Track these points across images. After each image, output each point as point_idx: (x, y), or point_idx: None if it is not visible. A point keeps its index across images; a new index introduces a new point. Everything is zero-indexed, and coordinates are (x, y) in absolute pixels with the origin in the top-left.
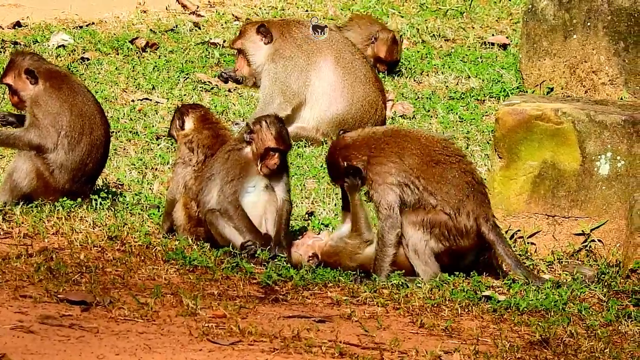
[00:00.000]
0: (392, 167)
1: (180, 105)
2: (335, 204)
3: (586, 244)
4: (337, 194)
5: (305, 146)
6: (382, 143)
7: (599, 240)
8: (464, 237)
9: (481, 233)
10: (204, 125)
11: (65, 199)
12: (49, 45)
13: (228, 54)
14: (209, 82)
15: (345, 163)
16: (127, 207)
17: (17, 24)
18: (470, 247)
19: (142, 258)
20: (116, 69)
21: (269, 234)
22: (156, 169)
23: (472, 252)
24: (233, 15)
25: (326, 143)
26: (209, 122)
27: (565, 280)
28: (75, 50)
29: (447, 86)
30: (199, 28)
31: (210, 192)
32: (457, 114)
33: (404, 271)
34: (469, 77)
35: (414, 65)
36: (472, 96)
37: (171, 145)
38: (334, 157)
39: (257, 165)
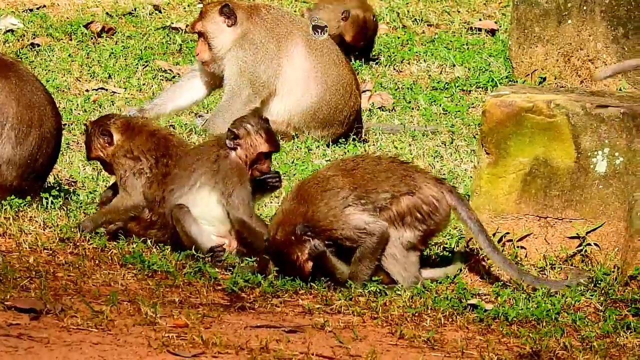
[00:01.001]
0: (331, 199)
1: (92, 123)
2: None
3: (581, 248)
4: None
5: None
6: (304, 196)
7: (595, 244)
8: (437, 210)
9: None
10: (132, 131)
11: (13, 197)
12: None
13: (191, 40)
14: (169, 70)
15: (295, 235)
16: (81, 207)
17: None
18: (444, 220)
19: (97, 262)
20: (69, 55)
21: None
22: None
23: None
24: None
25: (297, 137)
26: (135, 126)
27: (541, 282)
28: (24, 36)
29: (429, 75)
30: (160, 11)
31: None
32: (440, 105)
33: (381, 278)
34: (454, 65)
35: (393, 53)
36: (457, 86)
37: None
38: (283, 245)
39: (249, 171)
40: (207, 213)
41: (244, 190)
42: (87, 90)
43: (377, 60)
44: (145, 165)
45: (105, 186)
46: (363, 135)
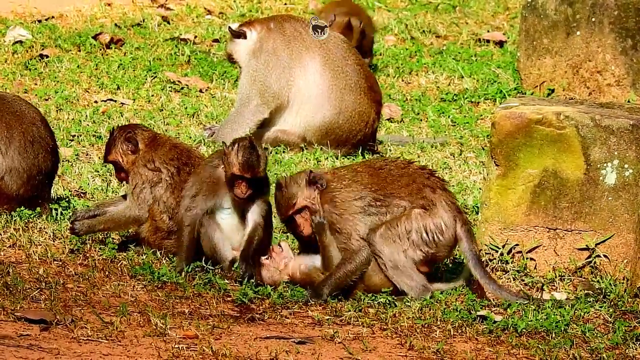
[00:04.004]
0: (350, 193)
1: (118, 128)
2: None
3: (590, 259)
4: None
5: (284, 152)
6: (334, 173)
7: (605, 256)
8: (442, 235)
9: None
10: (156, 143)
11: (22, 208)
12: (4, 41)
13: (199, 52)
14: (178, 81)
15: (305, 178)
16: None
17: None
18: (450, 246)
19: (107, 273)
20: (78, 67)
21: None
22: None
23: (448, 255)
24: (205, 8)
25: (306, 149)
26: (160, 138)
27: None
28: (33, 47)
29: (438, 87)
30: (168, 22)
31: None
32: (449, 117)
33: (391, 288)
34: (462, 77)
35: (402, 64)
36: (466, 98)
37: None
38: (290, 180)
39: (228, 189)
40: None
41: (201, 202)
42: (95, 102)
43: (385, 72)
44: (166, 174)
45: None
46: (374, 149)
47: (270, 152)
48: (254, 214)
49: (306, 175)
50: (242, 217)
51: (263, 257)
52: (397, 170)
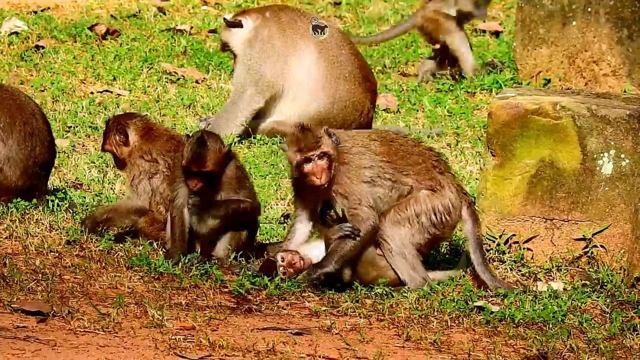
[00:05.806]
0: (362, 159)
1: (113, 117)
2: None
3: (587, 249)
4: None
5: (280, 142)
6: (345, 136)
7: (602, 246)
8: (451, 214)
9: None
10: (152, 134)
11: (19, 199)
12: (0, 32)
13: (195, 42)
14: (174, 72)
15: (323, 131)
16: (87, 209)
17: None
18: (452, 229)
19: (103, 264)
20: (74, 58)
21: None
22: None
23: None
24: None
25: None
26: (157, 129)
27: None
28: (29, 38)
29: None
30: (164, 13)
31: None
32: (445, 107)
33: (388, 279)
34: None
35: (398, 55)
36: (462, 88)
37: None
38: (304, 129)
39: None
40: None
41: (177, 188)
42: (92, 93)
43: (380, 62)
44: (163, 165)
45: (111, 188)
46: None
47: (267, 143)
48: (221, 209)
49: (323, 128)
50: (208, 212)
51: (282, 263)
52: (407, 147)
